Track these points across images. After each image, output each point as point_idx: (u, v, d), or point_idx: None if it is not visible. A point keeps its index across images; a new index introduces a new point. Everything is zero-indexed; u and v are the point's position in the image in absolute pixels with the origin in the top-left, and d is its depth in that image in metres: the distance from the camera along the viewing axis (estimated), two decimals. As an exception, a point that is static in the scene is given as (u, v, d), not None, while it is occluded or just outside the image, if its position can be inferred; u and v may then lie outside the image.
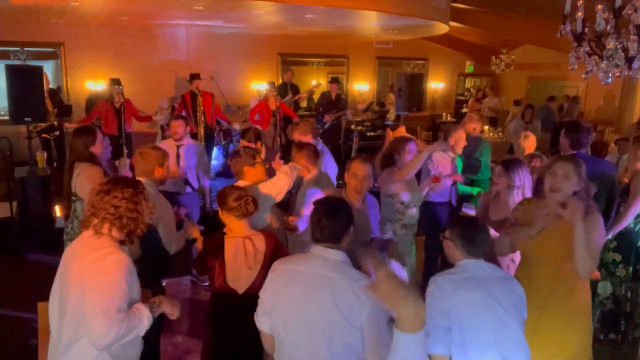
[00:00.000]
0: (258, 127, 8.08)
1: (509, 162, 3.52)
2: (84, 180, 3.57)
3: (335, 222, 2.12)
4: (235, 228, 2.81)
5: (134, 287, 2.15)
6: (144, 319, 2.10)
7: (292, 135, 4.61)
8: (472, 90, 14.09)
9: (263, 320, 2.16)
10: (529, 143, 4.89)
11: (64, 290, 2.13)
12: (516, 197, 3.38)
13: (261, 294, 2.18)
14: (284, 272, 2.14)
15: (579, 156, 3.65)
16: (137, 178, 3.12)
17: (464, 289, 2.19)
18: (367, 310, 1.96)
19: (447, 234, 2.40)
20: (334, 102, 9.22)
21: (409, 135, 4.98)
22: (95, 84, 9.38)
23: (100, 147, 3.82)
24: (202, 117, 7.64)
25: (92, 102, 8.64)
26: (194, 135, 7.71)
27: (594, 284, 3.92)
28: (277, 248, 2.78)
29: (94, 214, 2.15)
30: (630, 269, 3.97)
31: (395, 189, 3.85)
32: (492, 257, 3.31)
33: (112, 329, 1.94)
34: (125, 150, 7.16)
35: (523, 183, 3.43)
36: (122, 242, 2.17)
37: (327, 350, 2.01)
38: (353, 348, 2.00)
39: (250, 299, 2.37)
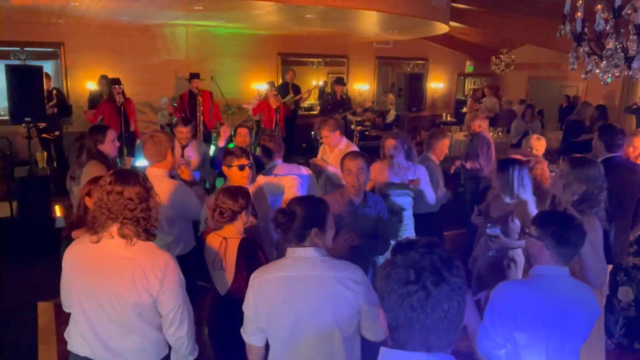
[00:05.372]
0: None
1: (502, 161, 3.54)
2: (83, 178, 3.66)
3: (294, 223, 2.09)
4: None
5: None
6: None
7: (320, 132, 4.75)
8: (471, 90, 14.06)
9: (252, 336, 2.12)
10: (540, 145, 4.86)
11: (115, 301, 2.11)
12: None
13: (245, 309, 2.10)
14: (266, 283, 2.05)
15: (616, 159, 3.66)
16: (148, 163, 3.40)
17: (535, 304, 1.96)
18: (360, 296, 1.99)
19: (535, 232, 2.11)
20: (340, 102, 9.25)
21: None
22: (95, 84, 9.37)
23: (110, 145, 3.95)
24: (201, 116, 7.63)
25: (93, 99, 8.60)
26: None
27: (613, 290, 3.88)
28: (250, 254, 2.67)
29: (110, 217, 2.08)
30: None
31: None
32: None
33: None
34: (125, 150, 7.13)
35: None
36: (148, 239, 2.15)
37: (328, 344, 2.01)
38: (353, 335, 2.06)
39: (233, 301, 2.27)
